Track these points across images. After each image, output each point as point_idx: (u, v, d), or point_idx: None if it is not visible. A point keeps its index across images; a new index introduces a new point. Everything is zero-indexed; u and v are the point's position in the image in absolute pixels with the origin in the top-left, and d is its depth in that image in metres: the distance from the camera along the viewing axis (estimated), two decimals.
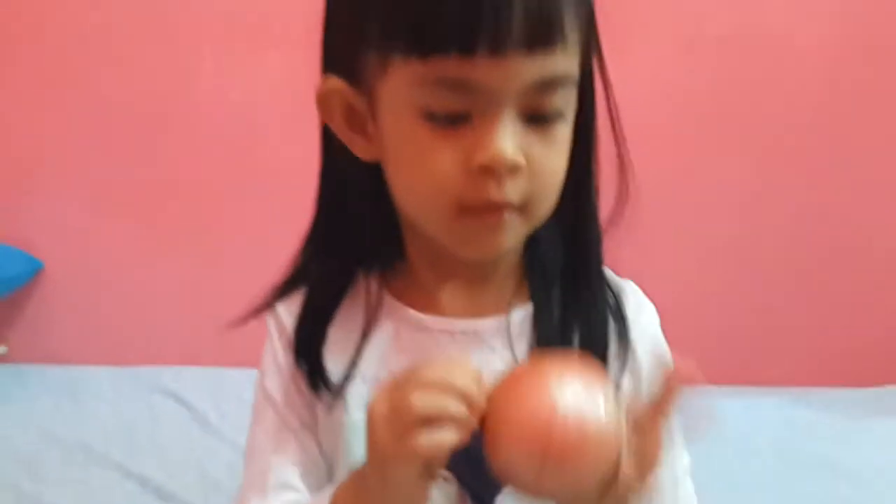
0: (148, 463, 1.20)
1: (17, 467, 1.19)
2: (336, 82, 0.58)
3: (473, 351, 0.62)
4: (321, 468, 0.65)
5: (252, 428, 0.67)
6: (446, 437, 0.49)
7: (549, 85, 0.54)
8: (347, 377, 0.62)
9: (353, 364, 0.63)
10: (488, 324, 0.63)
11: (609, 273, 0.67)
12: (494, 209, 0.55)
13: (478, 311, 0.63)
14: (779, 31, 1.54)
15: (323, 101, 0.60)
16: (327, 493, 0.59)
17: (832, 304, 1.63)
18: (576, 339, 0.63)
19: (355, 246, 0.65)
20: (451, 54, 0.51)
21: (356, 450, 0.62)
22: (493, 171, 0.53)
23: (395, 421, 0.50)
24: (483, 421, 0.50)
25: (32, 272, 1.59)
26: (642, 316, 0.67)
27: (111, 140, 1.58)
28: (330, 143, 0.63)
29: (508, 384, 0.51)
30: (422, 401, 0.49)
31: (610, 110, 0.63)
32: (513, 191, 0.54)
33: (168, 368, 1.51)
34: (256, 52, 1.53)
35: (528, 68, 0.52)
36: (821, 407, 1.42)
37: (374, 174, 0.61)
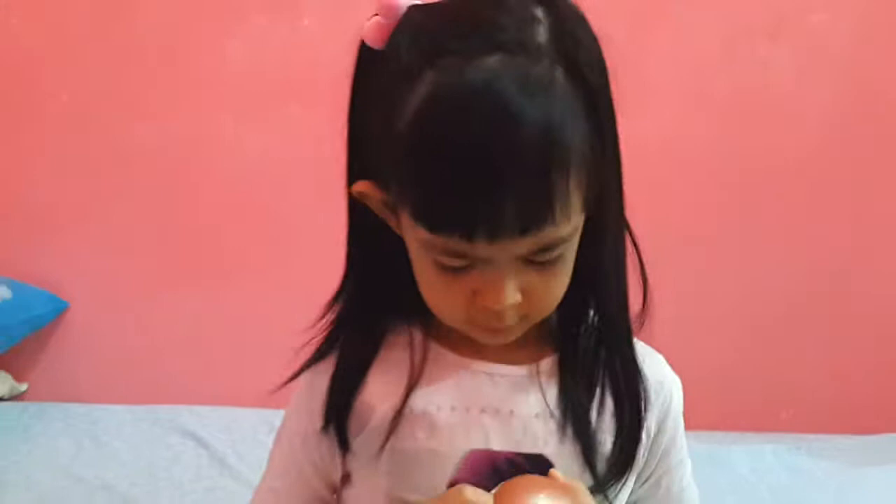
0: (167, 503, 1.24)
1: None
2: (367, 188, 0.63)
3: (510, 393, 0.68)
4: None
5: (272, 449, 0.74)
6: None
7: (545, 248, 0.59)
8: (398, 415, 0.67)
9: (403, 404, 0.67)
10: (522, 370, 0.69)
11: (639, 343, 0.72)
12: (499, 327, 0.62)
13: (512, 360, 0.69)
14: (781, 91, 1.59)
15: (357, 196, 0.65)
16: None
17: (833, 356, 1.67)
18: (604, 389, 0.68)
19: (390, 300, 0.69)
20: (453, 237, 0.57)
21: (416, 475, 0.67)
22: (494, 311, 0.60)
23: None
24: None
25: (57, 312, 1.64)
26: (664, 386, 0.73)
27: (134, 186, 1.63)
28: (355, 207, 0.67)
29: None
30: None
31: (639, 260, 0.67)
32: (511, 318, 0.61)
33: (187, 408, 1.56)
34: (276, 104, 1.59)
35: (523, 244, 0.58)
36: (821, 454, 1.45)
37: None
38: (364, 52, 0.62)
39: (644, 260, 0.68)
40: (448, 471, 0.67)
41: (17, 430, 1.47)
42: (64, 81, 1.61)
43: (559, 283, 0.63)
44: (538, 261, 0.60)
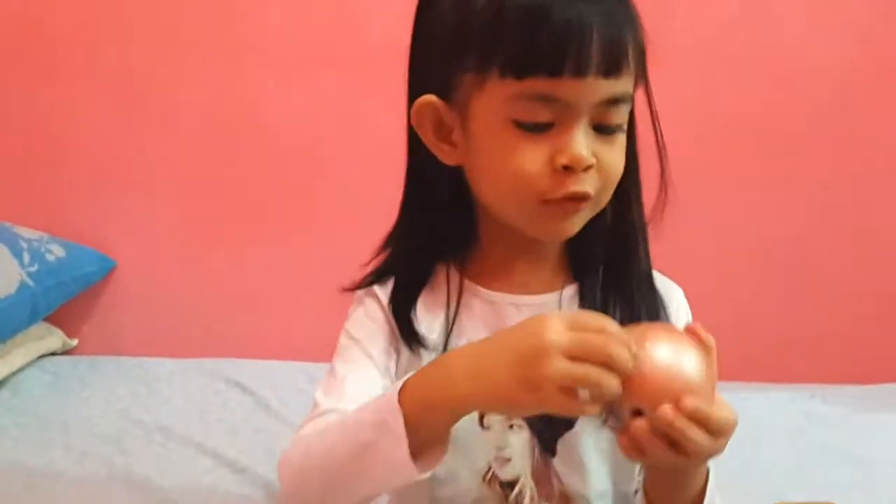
0: (221, 440, 1.32)
1: (106, 445, 1.31)
2: (431, 98, 0.71)
3: None
4: None
5: (334, 361, 0.77)
6: (614, 383, 0.56)
7: (615, 102, 0.68)
8: (447, 342, 0.75)
9: (449, 331, 0.75)
10: (544, 299, 0.77)
11: (658, 275, 0.80)
12: (575, 199, 0.68)
13: (536, 290, 0.77)
14: (793, 47, 1.65)
15: (417, 113, 0.72)
16: (399, 382, 0.64)
17: (847, 308, 1.73)
18: (623, 311, 0.76)
19: (437, 237, 0.77)
20: (542, 76, 0.65)
21: None
22: (572, 169, 0.67)
23: (587, 356, 0.56)
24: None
25: (106, 270, 1.73)
26: (682, 315, 0.81)
27: (179, 148, 1.71)
28: (416, 148, 0.76)
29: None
30: (618, 352, 0.56)
31: (654, 122, 0.75)
32: (588, 184, 0.68)
33: (229, 361, 1.63)
34: (315, 68, 1.67)
35: (602, 88, 0.66)
36: (834, 401, 1.51)
37: (454, 177, 0.74)
38: None
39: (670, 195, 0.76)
40: None
41: (74, 379, 1.56)
42: (114, 45, 1.68)
43: (620, 156, 0.70)
44: (607, 123, 0.68)
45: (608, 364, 0.56)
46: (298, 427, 0.71)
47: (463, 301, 0.77)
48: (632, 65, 0.68)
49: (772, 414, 1.48)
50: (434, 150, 0.73)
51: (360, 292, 0.80)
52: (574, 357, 0.56)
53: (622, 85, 0.67)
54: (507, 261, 0.77)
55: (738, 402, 1.56)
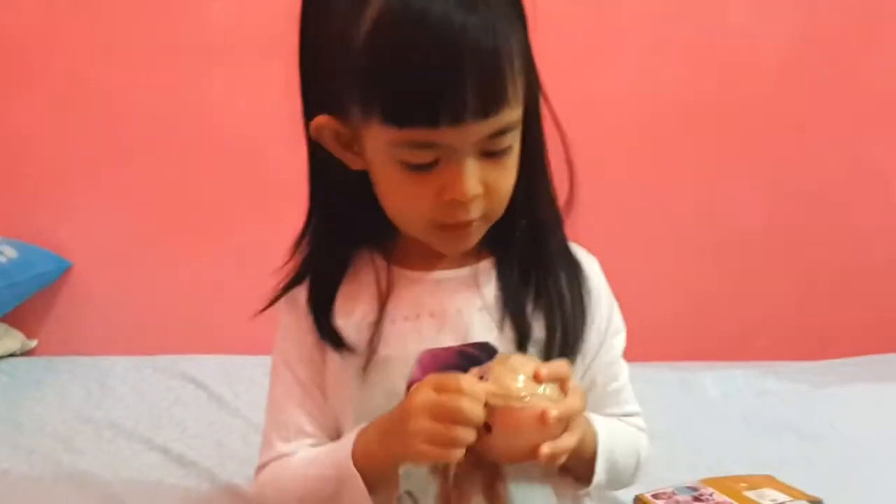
0: (170, 436, 1.32)
1: (54, 443, 1.31)
2: (326, 120, 0.71)
3: (455, 293, 0.77)
4: (329, 416, 0.79)
5: (270, 391, 0.82)
6: (466, 436, 0.66)
7: (499, 133, 0.67)
8: (378, 322, 0.76)
9: (381, 314, 0.77)
10: (464, 271, 0.78)
11: (574, 245, 0.82)
12: (463, 225, 0.71)
13: (456, 266, 0.78)
14: (739, 30, 1.66)
15: (316, 133, 0.73)
16: (352, 436, 0.73)
17: (803, 286, 1.74)
18: (532, 285, 0.77)
19: (352, 228, 0.78)
20: (420, 126, 0.64)
21: (389, 381, 0.76)
22: (460, 202, 0.68)
23: (440, 415, 0.66)
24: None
25: (61, 271, 1.73)
26: (602, 284, 0.82)
27: (131, 148, 1.71)
28: (316, 151, 0.76)
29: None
30: (468, 407, 0.65)
31: (555, 122, 0.76)
32: (476, 210, 0.70)
33: (185, 357, 1.63)
34: (260, 63, 1.66)
35: (482, 128, 0.66)
36: (786, 378, 1.52)
37: (363, 175, 0.74)
38: None
39: (572, 159, 0.76)
40: (405, 373, 0.75)
41: (30, 381, 1.56)
42: (57, 47, 1.68)
43: (510, 175, 0.71)
44: (494, 150, 0.68)
45: (460, 420, 0.65)
46: (257, 469, 0.81)
47: (393, 287, 0.78)
48: (515, 94, 0.67)
49: (726, 394, 1.48)
50: (340, 158, 0.74)
51: (282, 304, 0.81)
52: (434, 416, 0.66)
53: (506, 117, 0.67)
54: (425, 248, 0.78)
55: (691, 382, 1.58)
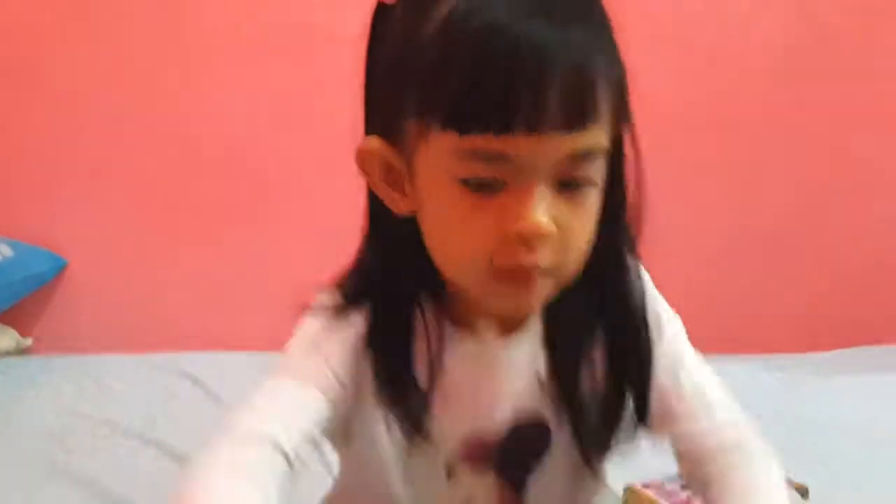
0: (165, 431, 1.31)
1: (48, 442, 1.30)
2: (376, 143, 0.60)
3: (502, 362, 0.67)
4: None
5: (284, 359, 0.70)
6: None
7: (581, 157, 0.56)
8: (430, 387, 0.65)
9: (432, 380, 0.65)
10: (513, 340, 0.67)
11: (654, 303, 0.72)
12: (526, 272, 0.57)
13: (506, 332, 0.67)
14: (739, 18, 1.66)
15: (362, 159, 0.62)
16: None
17: (798, 279, 1.74)
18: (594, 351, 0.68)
19: (408, 282, 0.66)
20: (489, 132, 0.53)
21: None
22: (526, 238, 0.55)
23: None
24: None
25: (57, 269, 1.72)
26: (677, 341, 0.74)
27: (131, 148, 1.70)
28: (370, 189, 0.65)
29: None
30: None
31: (638, 175, 0.64)
32: (543, 256, 0.56)
33: (181, 354, 1.61)
34: (258, 63, 1.66)
35: (563, 144, 0.54)
36: (786, 370, 1.52)
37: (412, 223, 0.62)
38: (378, 12, 0.62)
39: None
40: (448, 449, 0.67)
41: (24, 380, 1.55)
42: (61, 46, 1.68)
43: (588, 221, 0.59)
44: (573, 179, 0.56)
45: None
46: (218, 435, 0.63)
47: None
48: (604, 111, 0.55)
49: (734, 385, 1.48)
50: (383, 197, 0.62)
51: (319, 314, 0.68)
52: None
53: (591, 137, 0.55)
54: (478, 310, 0.66)
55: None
